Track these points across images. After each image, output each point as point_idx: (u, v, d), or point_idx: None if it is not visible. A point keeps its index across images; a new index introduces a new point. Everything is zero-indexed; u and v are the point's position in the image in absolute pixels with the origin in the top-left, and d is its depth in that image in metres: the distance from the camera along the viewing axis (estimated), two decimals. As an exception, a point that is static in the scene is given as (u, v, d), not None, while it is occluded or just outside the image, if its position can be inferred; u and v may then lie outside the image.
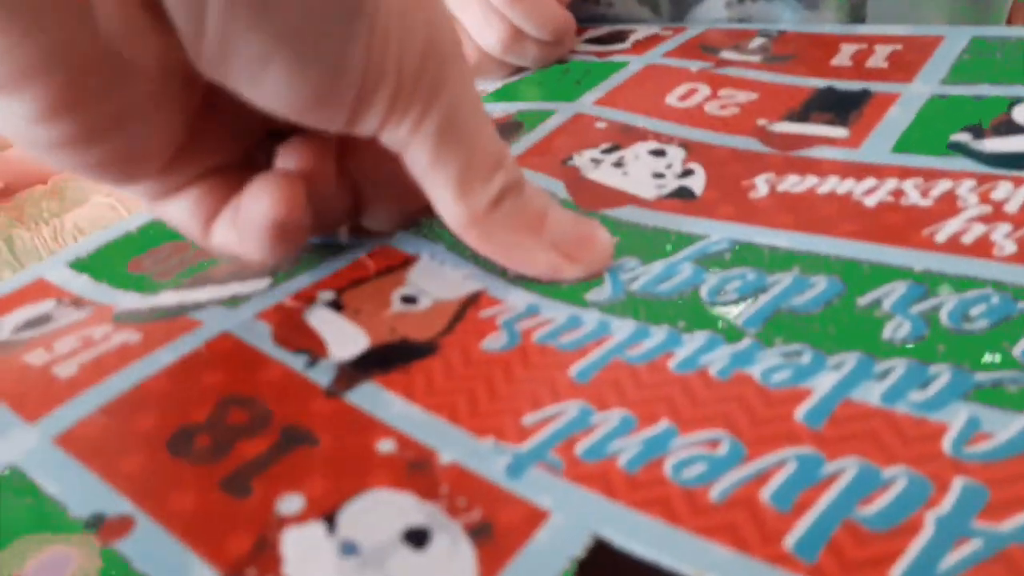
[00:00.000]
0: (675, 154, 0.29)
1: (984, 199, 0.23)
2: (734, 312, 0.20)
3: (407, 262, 0.24)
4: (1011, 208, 0.23)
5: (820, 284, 0.21)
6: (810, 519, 0.15)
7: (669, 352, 0.20)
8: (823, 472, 0.16)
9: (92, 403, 0.19)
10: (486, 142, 0.22)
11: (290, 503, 0.16)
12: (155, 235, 0.28)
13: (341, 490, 0.17)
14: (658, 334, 0.20)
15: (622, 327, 0.21)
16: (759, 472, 0.16)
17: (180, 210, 0.22)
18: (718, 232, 0.24)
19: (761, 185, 0.26)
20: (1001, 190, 0.24)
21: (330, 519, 0.16)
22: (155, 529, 0.16)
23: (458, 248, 0.24)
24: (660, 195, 0.26)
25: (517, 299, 0.22)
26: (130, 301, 0.24)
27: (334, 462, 0.17)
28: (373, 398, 0.19)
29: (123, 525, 0.16)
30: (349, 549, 0.15)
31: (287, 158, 0.22)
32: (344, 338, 0.21)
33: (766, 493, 0.16)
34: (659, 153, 0.29)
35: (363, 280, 0.23)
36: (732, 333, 0.20)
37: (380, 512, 0.16)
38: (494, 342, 0.21)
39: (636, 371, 0.19)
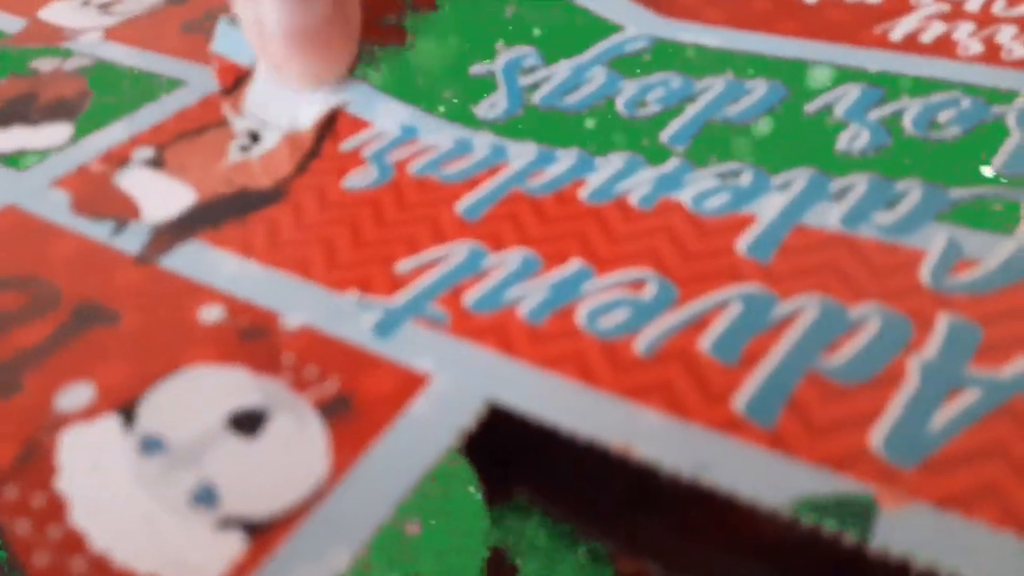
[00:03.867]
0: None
1: (941, -5, 0.20)
2: (656, 122, 0.17)
3: (240, 78, 0.19)
4: (972, 7, 0.19)
5: (759, 89, 0.17)
6: (763, 372, 0.12)
7: (580, 179, 0.16)
8: (775, 314, 0.12)
9: None
10: None
11: (73, 396, 0.12)
12: None
13: (145, 373, 0.12)
14: (566, 158, 0.16)
15: (522, 152, 0.16)
16: (695, 317, 0.13)
17: None
18: (635, 26, 0.19)
19: (685, -19, 0.22)
20: (959, -14, 0.20)
21: (128, 411, 0.12)
22: None
23: None
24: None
25: (388, 119, 0.18)
26: None
27: (139, 340, 0.13)
28: (197, 260, 0.15)
29: None
30: (152, 445, 0.11)
31: None
32: (163, 197, 0.16)
33: (705, 343, 0.12)
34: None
35: (191, 132, 0.18)
36: (655, 152, 0.16)
37: (197, 396, 0.12)
38: (359, 179, 0.16)
39: (540, 204, 0.15)
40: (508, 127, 0.17)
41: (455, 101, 0.18)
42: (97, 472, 0.11)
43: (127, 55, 0.21)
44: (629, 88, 0.18)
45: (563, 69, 0.18)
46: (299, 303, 0.14)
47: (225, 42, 0.19)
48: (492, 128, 0.17)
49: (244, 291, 0.14)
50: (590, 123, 0.17)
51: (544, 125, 0.17)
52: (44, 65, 0.21)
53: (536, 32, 0.19)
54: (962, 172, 0.15)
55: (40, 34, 0.23)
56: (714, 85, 0.17)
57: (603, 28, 0.19)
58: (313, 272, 0.14)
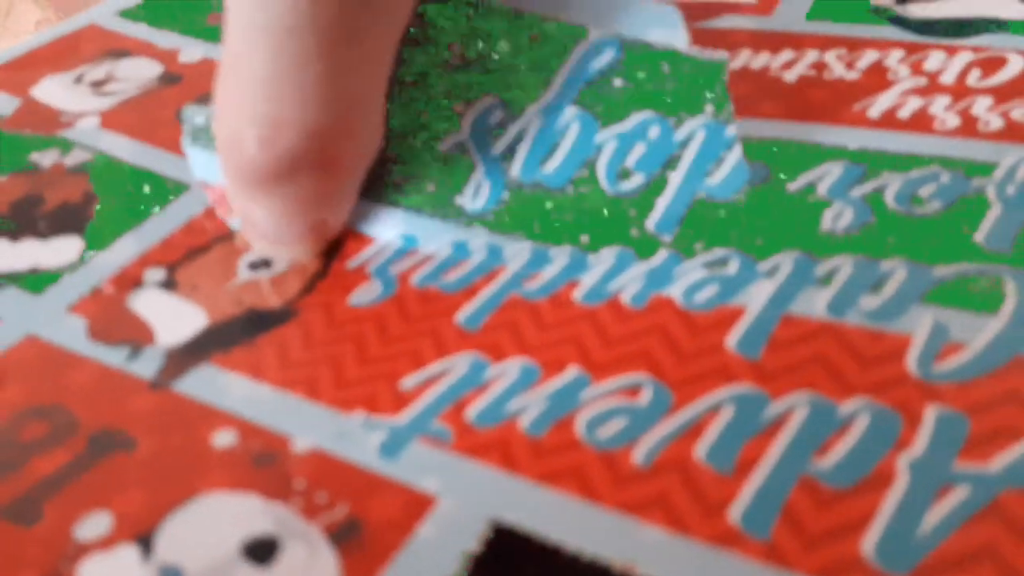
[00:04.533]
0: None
1: (917, 70, 0.20)
2: (641, 203, 0.17)
3: None
4: (947, 79, 0.20)
5: (738, 150, 0.18)
6: (757, 481, 0.12)
7: (573, 280, 0.16)
8: (767, 415, 0.13)
9: None
10: None
11: (92, 525, 0.13)
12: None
13: (161, 501, 0.13)
14: (559, 258, 0.17)
15: (517, 253, 0.17)
16: (690, 423, 0.13)
17: None
18: (596, 24, 0.18)
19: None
20: (933, 60, 0.21)
21: (146, 540, 0.12)
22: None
23: None
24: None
25: (387, 229, 0.18)
26: None
27: (154, 467, 0.14)
28: (210, 384, 0.15)
29: None
30: (170, 575, 0.12)
31: None
32: (176, 320, 0.17)
33: (701, 450, 0.13)
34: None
35: (201, 249, 0.19)
36: (645, 244, 0.16)
37: (212, 524, 0.13)
38: (364, 295, 0.17)
39: (536, 308, 0.16)
40: (498, 221, 0.18)
41: (440, 194, 0.18)
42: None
43: (126, 149, 0.22)
44: (607, 144, 0.18)
45: (532, 121, 0.18)
46: (308, 425, 0.14)
47: (204, 168, 0.19)
48: (484, 224, 0.18)
49: (255, 414, 0.14)
50: (576, 203, 0.17)
51: (532, 213, 0.17)
52: (44, 159, 0.22)
53: (494, 59, 0.18)
54: (945, 247, 0.15)
55: (35, 117, 0.24)
56: (695, 134, 0.17)
57: (565, 36, 0.18)
58: (320, 392, 0.15)
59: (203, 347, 0.16)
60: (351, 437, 0.14)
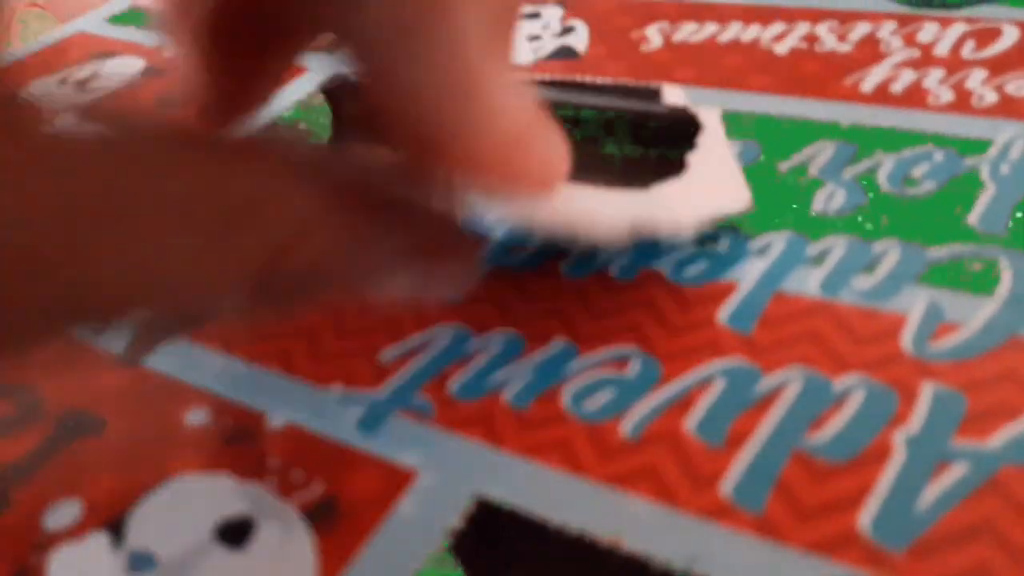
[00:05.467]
0: (551, 13, 0.24)
1: (909, 41, 0.20)
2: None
3: None
4: (941, 51, 0.19)
5: (733, 148, 0.17)
6: (749, 454, 0.12)
7: (560, 252, 0.16)
8: (759, 389, 0.12)
9: None
10: None
11: (62, 514, 0.12)
12: None
13: (132, 486, 0.12)
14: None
15: (503, 224, 0.17)
16: (680, 395, 0.13)
17: None
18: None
19: (654, 36, 0.22)
20: (927, 32, 0.20)
21: (116, 527, 0.12)
22: None
23: None
24: (538, 58, 0.22)
25: None
26: None
27: (125, 450, 0.13)
28: (183, 359, 0.15)
29: None
30: (141, 563, 0.11)
31: None
32: None
33: (691, 423, 0.12)
34: (532, 16, 0.24)
35: None
36: (633, 220, 0.16)
37: (184, 507, 0.12)
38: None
39: (521, 279, 0.15)
40: None
41: None
42: (85, 592, 0.11)
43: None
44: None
45: None
46: (283, 400, 0.14)
47: None
48: None
49: (228, 390, 0.14)
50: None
51: None
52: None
53: None
54: (939, 229, 0.15)
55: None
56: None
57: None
58: (297, 366, 0.14)
59: (173, 320, 0.16)
60: (327, 412, 0.13)
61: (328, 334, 0.15)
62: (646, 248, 0.15)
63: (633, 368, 0.13)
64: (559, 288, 0.15)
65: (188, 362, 0.14)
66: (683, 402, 0.12)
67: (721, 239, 0.15)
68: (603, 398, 0.13)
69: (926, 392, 0.12)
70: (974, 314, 0.13)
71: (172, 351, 0.15)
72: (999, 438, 0.11)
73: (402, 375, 0.14)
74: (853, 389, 0.12)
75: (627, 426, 0.12)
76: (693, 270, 0.15)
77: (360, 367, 0.14)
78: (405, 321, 0.15)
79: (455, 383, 0.13)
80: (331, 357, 0.14)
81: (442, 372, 0.14)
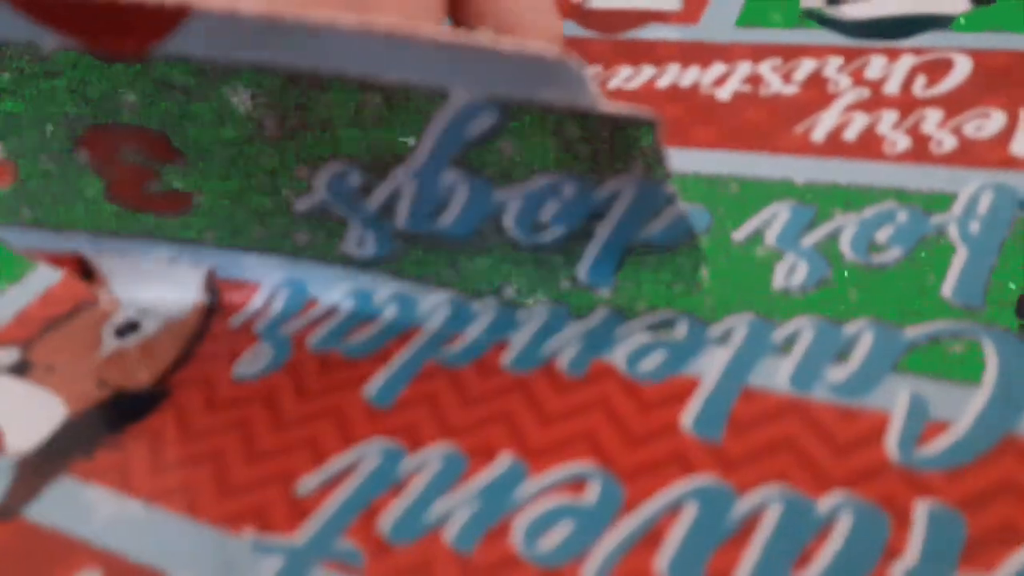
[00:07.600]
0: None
1: (858, 79, 0.19)
2: (567, 249, 0.14)
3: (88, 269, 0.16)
4: (891, 89, 0.18)
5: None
6: (732, 605, 0.10)
7: (501, 341, 0.14)
8: (735, 516, 0.11)
9: None
10: None
11: None
12: None
13: None
14: (483, 314, 0.15)
15: (434, 309, 0.15)
16: (647, 526, 0.11)
17: None
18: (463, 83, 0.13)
19: (590, 85, 0.20)
20: (874, 67, 0.19)
21: None
22: None
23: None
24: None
25: (271, 274, 0.15)
26: None
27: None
28: (70, 504, 0.12)
29: None
30: None
31: None
32: (28, 415, 0.14)
33: (662, 561, 0.11)
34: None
35: (60, 319, 0.16)
36: (580, 299, 0.14)
37: None
38: (252, 363, 0.14)
39: (459, 378, 0.14)
40: (402, 267, 0.15)
41: (317, 243, 0.15)
42: None
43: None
44: (510, 202, 0.13)
45: (405, 184, 0.13)
46: (188, 553, 0.12)
47: (20, 239, 0.15)
48: (388, 269, 0.15)
49: (122, 543, 0.12)
50: (483, 261, 0.14)
51: (440, 259, 0.14)
52: None
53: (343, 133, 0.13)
54: (912, 303, 0.13)
55: None
56: (622, 192, 0.13)
57: (422, 102, 0.12)
58: (201, 505, 0.12)
59: (61, 451, 0.13)
60: (241, 565, 0.11)
61: (237, 458, 0.13)
62: (597, 338, 0.14)
63: (592, 492, 0.12)
64: (502, 386, 0.13)
65: (76, 508, 0.12)
66: (651, 535, 0.11)
67: (677, 325, 0.14)
68: (560, 534, 0.11)
69: (920, 512, 0.11)
70: (962, 409, 0.12)
71: (57, 495, 0.13)
72: (1006, 569, 0.10)
73: (324, 511, 0.12)
74: (840, 511, 0.11)
75: (590, 570, 0.11)
76: (649, 363, 0.13)
77: (275, 502, 0.12)
78: (326, 436, 0.13)
79: (387, 520, 0.12)
80: (241, 489, 0.12)
81: (371, 505, 0.12)
